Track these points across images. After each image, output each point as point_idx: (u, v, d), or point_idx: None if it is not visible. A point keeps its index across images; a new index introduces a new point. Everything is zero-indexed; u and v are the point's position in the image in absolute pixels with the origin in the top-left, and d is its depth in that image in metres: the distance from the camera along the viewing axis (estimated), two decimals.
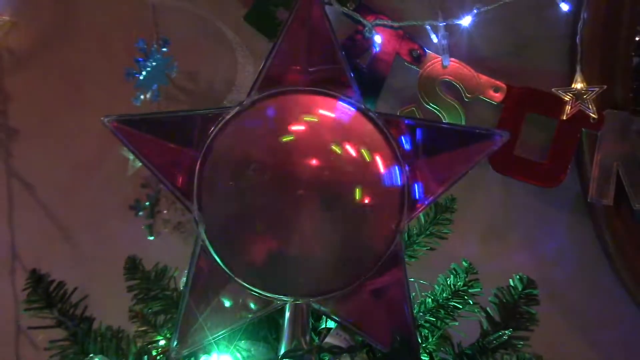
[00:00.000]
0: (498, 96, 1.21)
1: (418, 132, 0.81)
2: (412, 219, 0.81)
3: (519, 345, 0.82)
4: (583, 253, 1.31)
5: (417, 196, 0.80)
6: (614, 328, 1.32)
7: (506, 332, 0.81)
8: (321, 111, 0.80)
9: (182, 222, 1.25)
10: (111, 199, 1.28)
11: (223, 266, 0.79)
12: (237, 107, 0.80)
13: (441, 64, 1.21)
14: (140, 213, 1.24)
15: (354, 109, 0.80)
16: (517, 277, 0.87)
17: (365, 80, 1.21)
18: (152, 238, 1.25)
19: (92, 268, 1.28)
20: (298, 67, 0.80)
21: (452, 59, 1.20)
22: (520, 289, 0.85)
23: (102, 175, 1.29)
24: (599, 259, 1.29)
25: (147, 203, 1.24)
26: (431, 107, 1.21)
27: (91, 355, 0.78)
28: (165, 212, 1.24)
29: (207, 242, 0.79)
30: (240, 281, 0.79)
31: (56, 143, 1.30)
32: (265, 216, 0.80)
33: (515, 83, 1.21)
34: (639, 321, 1.31)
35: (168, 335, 0.87)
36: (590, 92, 1.17)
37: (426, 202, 0.81)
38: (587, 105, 1.17)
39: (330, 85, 0.81)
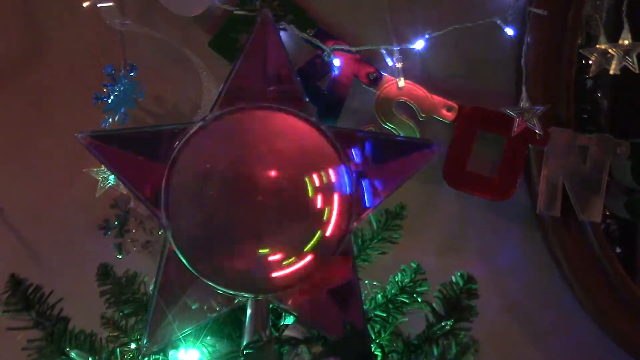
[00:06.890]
0: (450, 115, 1.29)
1: (366, 143, 0.92)
2: (360, 221, 0.92)
3: (460, 335, 0.92)
4: (534, 263, 1.38)
5: (365, 200, 0.91)
6: (565, 335, 1.40)
7: (448, 322, 0.92)
8: (277, 125, 0.90)
9: (150, 241, 1.28)
10: (80, 219, 1.33)
11: (189, 266, 0.88)
12: (200, 123, 0.90)
13: (396, 85, 1.28)
14: (109, 233, 1.28)
15: (306, 124, 0.90)
16: (459, 274, 0.96)
17: (325, 102, 1.28)
18: (120, 257, 1.28)
19: (62, 288, 1.31)
20: (256, 87, 0.91)
21: (407, 81, 1.28)
22: (461, 285, 0.95)
23: (71, 196, 1.34)
24: (549, 268, 1.37)
25: (116, 223, 1.28)
26: (388, 126, 1.28)
27: (67, 349, 0.87)
28: (133, 231, 1.28)
29: (174, 246, 0.88)
30: (205, 280, 0.89)
31: (25, 165, 1.35)
32: (227, 220, 0.90)
33: (466, 103, 1.29)
34: (588, 328, 1.38)
35: (138, 337, 0.95)
36: (535, 110, 1.23)
37: (373, 206, 0.92)
38: (533, 123, 1.24)
39: (286, 102, 0.91)
